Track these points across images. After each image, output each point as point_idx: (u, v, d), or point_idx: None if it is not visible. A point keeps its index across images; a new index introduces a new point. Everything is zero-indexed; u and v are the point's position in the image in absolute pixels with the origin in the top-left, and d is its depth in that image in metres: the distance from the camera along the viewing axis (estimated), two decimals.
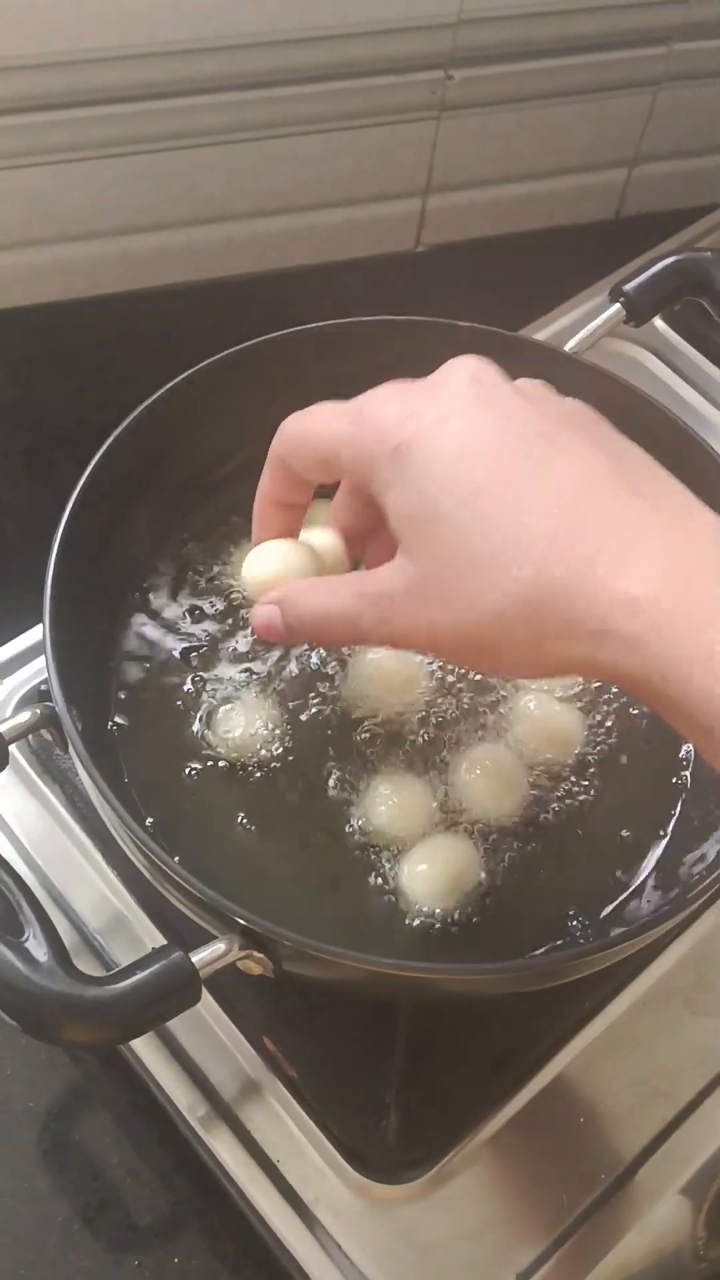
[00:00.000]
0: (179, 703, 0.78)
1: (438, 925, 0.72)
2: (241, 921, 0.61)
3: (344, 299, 1.25)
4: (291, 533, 0.68)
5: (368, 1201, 0.72)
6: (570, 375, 0.81)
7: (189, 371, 0.77)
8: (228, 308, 1.19)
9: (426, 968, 0.64)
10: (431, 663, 0.80)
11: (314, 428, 0.61)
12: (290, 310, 0.87)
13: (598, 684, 0.81)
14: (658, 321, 1.06)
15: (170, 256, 1.17)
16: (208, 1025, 0.76)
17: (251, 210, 1.18)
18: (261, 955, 0.62)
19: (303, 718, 0.78)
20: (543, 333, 1.03)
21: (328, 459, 0.60)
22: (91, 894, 0.80)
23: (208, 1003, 0.76)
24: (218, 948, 0.61)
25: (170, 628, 0.80)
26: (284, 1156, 0.73)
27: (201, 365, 0.77)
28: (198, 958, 0.60)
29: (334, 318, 0.83)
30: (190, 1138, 0.74)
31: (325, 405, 0.61)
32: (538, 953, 0.70)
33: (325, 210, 1.21)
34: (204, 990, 0.72)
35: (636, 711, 0.80)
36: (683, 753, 0.79)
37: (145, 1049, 0.75)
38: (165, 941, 0.60)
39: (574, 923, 0.73)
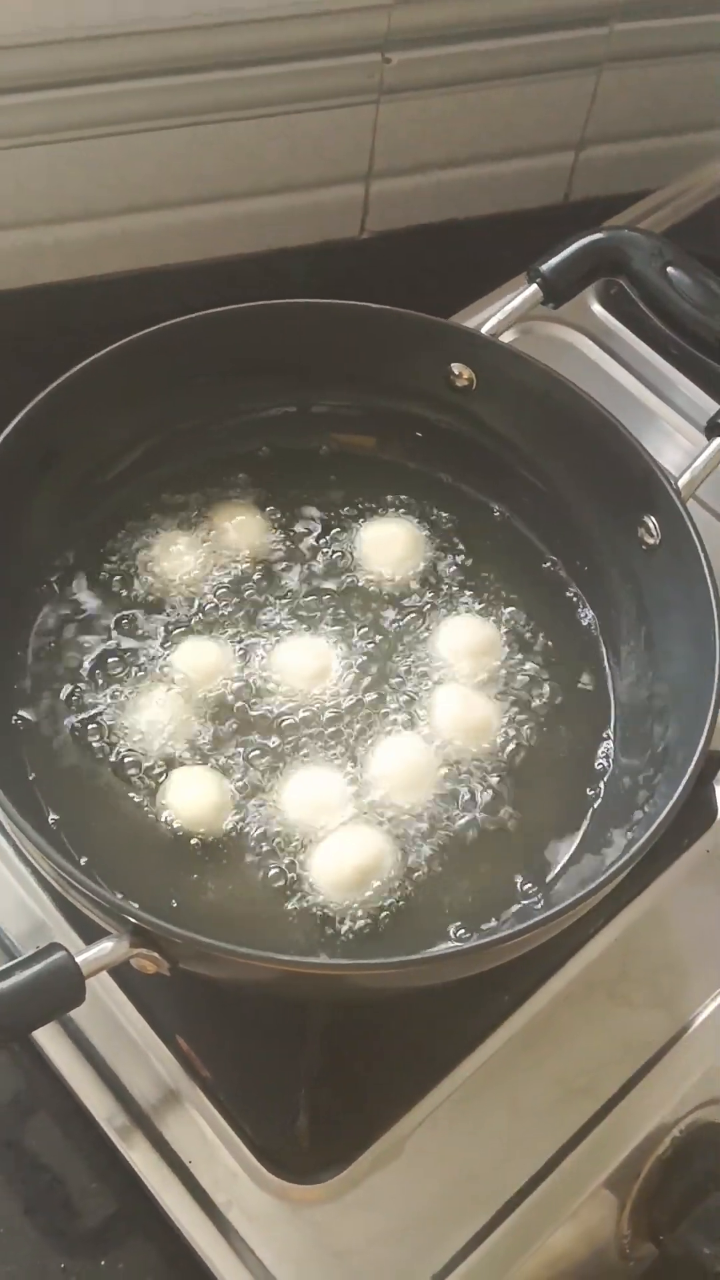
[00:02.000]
0: (86, 696, 0.76)
1: (346, 921, 0.71)
2: (130, 919, 0.59)
3: (285, 287, 1.23)
4: None
5: (282, 1203, 0.71)
6: (488, 359, 0.80)
7: (81, 364, 0.75)
8: (164, 298, 1.17)
9: (321, 964, 0.63)
10: (345, 654, 0.79)
11: None
12: (229, 299, 0.85)
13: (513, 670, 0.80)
14: (593, 305, 1.05)
15: (106, 246, 1.16)
16: (121, 1026, 0.75)
17: (188, 197, 1.16)
18: (153, 953, 0.61)
19: (213, 709, 0.76)
20: (475, 318, 1.01)
21: None
22: (9, 898, 0.78)
23: (120, 1002, 0.75)
24: (104, 946, 0.60)
25: (78, 620, 0.79)
26: (197, 1159, 0.72)
27: (95, 357, 0.76)
28: (83, 957, 0.58)
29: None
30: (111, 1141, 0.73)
31: None
32: (441, 947, 0.69)
33: (264, 197, 1.19)
34: (118, 990, 0.72)
35: (552, 702, 0.79)
36: (600, 752, 0.78)
37: (59, 1053, 0.74)
38: (83, 944, 0.59)
39: (470, 925, 0.72)
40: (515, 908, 0.72)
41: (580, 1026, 0.77)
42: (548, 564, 0.84)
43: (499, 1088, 0.75)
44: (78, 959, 0.58)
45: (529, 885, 0.73)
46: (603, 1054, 0.77)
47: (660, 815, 0.66)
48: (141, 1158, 0.72)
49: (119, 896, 0.66)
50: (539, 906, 0.71)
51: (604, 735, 0.78)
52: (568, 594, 0.83)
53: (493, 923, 0.71)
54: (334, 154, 1.18)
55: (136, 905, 0.62)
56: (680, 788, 0.67)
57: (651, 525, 0.77)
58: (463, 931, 0.71)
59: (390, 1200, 0.72)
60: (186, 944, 0.59)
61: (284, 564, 0.83)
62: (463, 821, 0.74)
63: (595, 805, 0.75)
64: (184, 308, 0.92)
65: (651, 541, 0.77)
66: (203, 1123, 0.73)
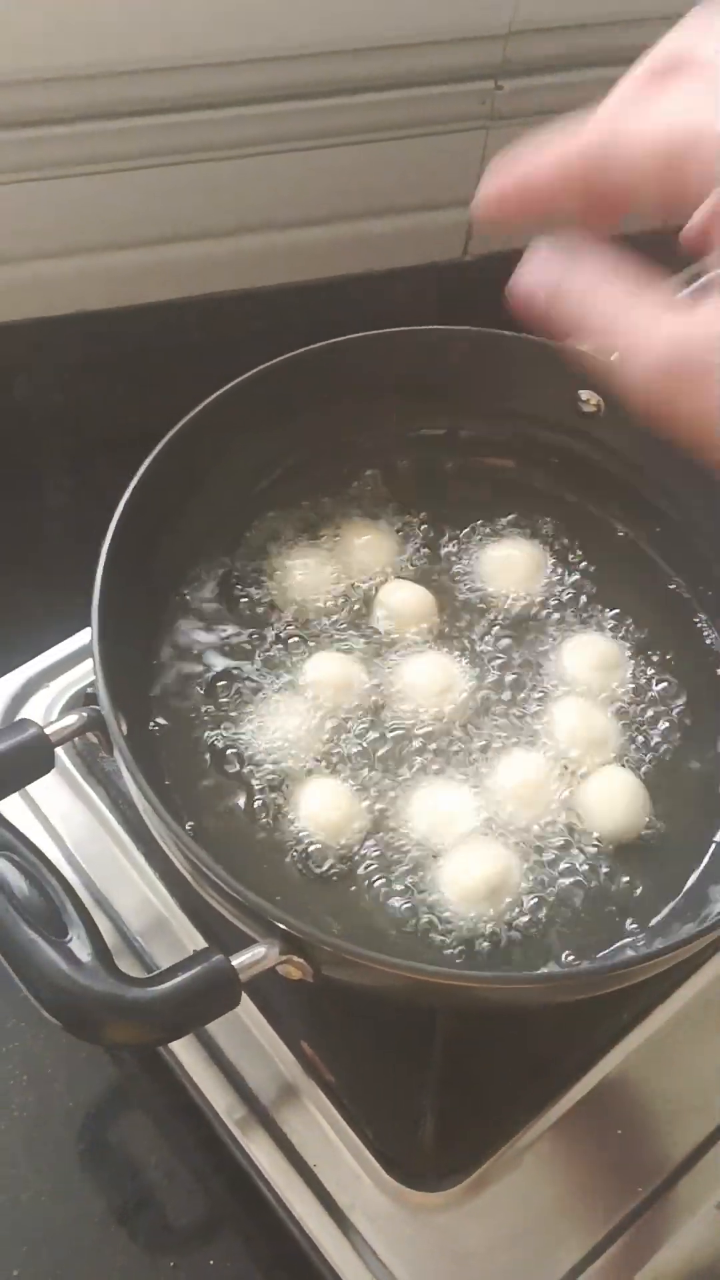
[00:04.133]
0: (217, 707, 0.78)
1: (478, 934, 0.72)
2: (282, 926, 0.61)
3: (389, 308, 1.25)
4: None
5: (404, 1208, 0.72)
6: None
7: (230, 385, 0.78)
8: (272, 317, 1.19)
9: (462, 975, 0.64)
10: (473, 664, 0.80)
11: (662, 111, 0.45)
12: (334, 320, 0.87)
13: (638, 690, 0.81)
14: None
15: (215, 266, 1.18)
16: (246, 1029, 0.76)
17: (297, 220, 1.19)
18: (301, 960, 0.62)
19: (342, 722, 0.78)
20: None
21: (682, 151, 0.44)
22: (134, 896, 0.80)
23: (247, 1006, 0.76)
24: (258, 952, 0.61)
25: (211, 632, 0.81)
26: (320, 1161, 0.73)
27: (241, 379, 0.78)
28: (238, 961, 0.60)
29: (379, 328, 0.83)
30: (227, 1140, 0.74)
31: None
32: (575, 964, 0.70)
33: (370, 219, 1.22)
34: (243, 994, 0.73)
35: (678, 722, 0.80)
36: None
37: (184, 1051, 0.76)
38: (205, 945, 0.60)
39: (627, 929, 0.73)
40: (639, 931, 0.72)
41: (697, 1044, 0.78)
42: (673, 585, 0.85)
43: (617, 1102, 0.76)
44: (233, 962, 0.59)
45: (655, 908, 0.73)
46: (718, 1075, 0.78)
47: None
48: (267, 1159, 0.73)
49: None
50: (660, 934, 0.71)
51: None
52: (695, 620, 0.84)
53: (615, 946, 0.72)
54: (441, 178, 1.20)
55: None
56: None
57: None
58: (594, 949, 0.71)
59: (510, 1209, 0.73)
60: (335, 951, 0.61)
61: (408, 582, 0.84)
62: (586, 841, 0.75)
63: (712, 845, 0.76)
64: (286, 326, 0.94)
65: None
66: (326, 1126, 0.74)
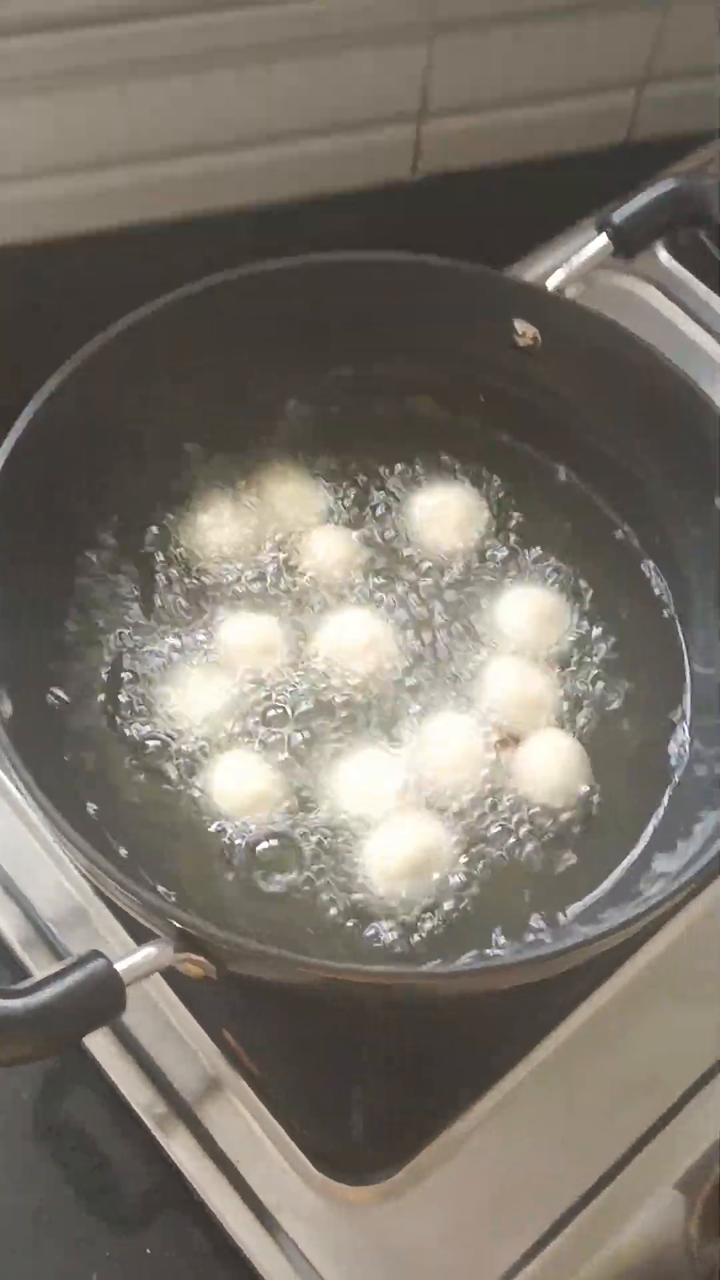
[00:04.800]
0: (126, 675, 0.73)
1: (404, 915, 0.67)
2: (176, 923, 0.56)
3: (334, 233, 1.17)
4: None
5: (333, 1204, 0.68)
6: (553, 315, 0.75)
7: (120, 323, 0.71)
8: (208, 246, 1.12)
9: (379, 973, 0.59)
10: (399, 629, 0.75)
11: None
12: (276, 247, 0.81)
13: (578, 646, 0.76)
14: (661, 254, 0.99)
15: (143, 192, 1.10)
16: (165, 1018, 0.72)
17: (232, 141, 1.11)
18: (201, 958, 0.57)
19: (260, 689, 0.72)
20: (535, 268, 0.96)
21: None
22: (48, 882, 0.75)
23: (165, 994, 0.72)
24: (148, 952, 0.56)
25: (119, 595, 0.75)
26: (244, 1157, 0.69)
27: (133, 316, 0.71)
28: (124, 965, 0.55)
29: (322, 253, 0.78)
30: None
31: None
32: (499, 952, 0.65)
33: (309, 139, 1.14)
34: (163, 981, 0.68)
35: (620, 681, 0.75)
36: (673, 739, 0.73)
37: (98, 1044, 0.71)
38: (126, 936, 0.55)
39: (538, 920, 0.68)
40: (578, 907, 0.67)
41: (644, 1026, 0.74)
42: (619, 534, 0.79)
43: (559, 1089, 0.72)
44: (118, 967, 0.54)
45: (598, 880, 0.68)
46: (667, 1055, 0.73)
47: None
48: (187, 1156, 0.69)
49: (165, 894, 0.62)
50: (602, 910, 0.66)
51: (677, 721, 0.73)
52: (640, 567, 0.78)
53: (558, 921, 0.67)
54: (385, 92, 1.12)
55: (176, 900, 0.59)
56: None
57: None
58: (530, 928, 0.67)
59: (447, 1203, 0.69)
60: (234, 949, 0.56)
61: (332, 532, 0.78)
62: (522, 810, 0.70)
63: (668, 794, 0.71)
64: (229, 255, 0.87)
65: None
66: (251, 1120, 0.69)
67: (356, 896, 0.68)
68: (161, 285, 0.86)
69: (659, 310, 0.98)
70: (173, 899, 0.66)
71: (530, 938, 0.67)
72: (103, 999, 0.53)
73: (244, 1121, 0.70)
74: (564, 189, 1.10)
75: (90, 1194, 0.72)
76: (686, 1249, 0.75)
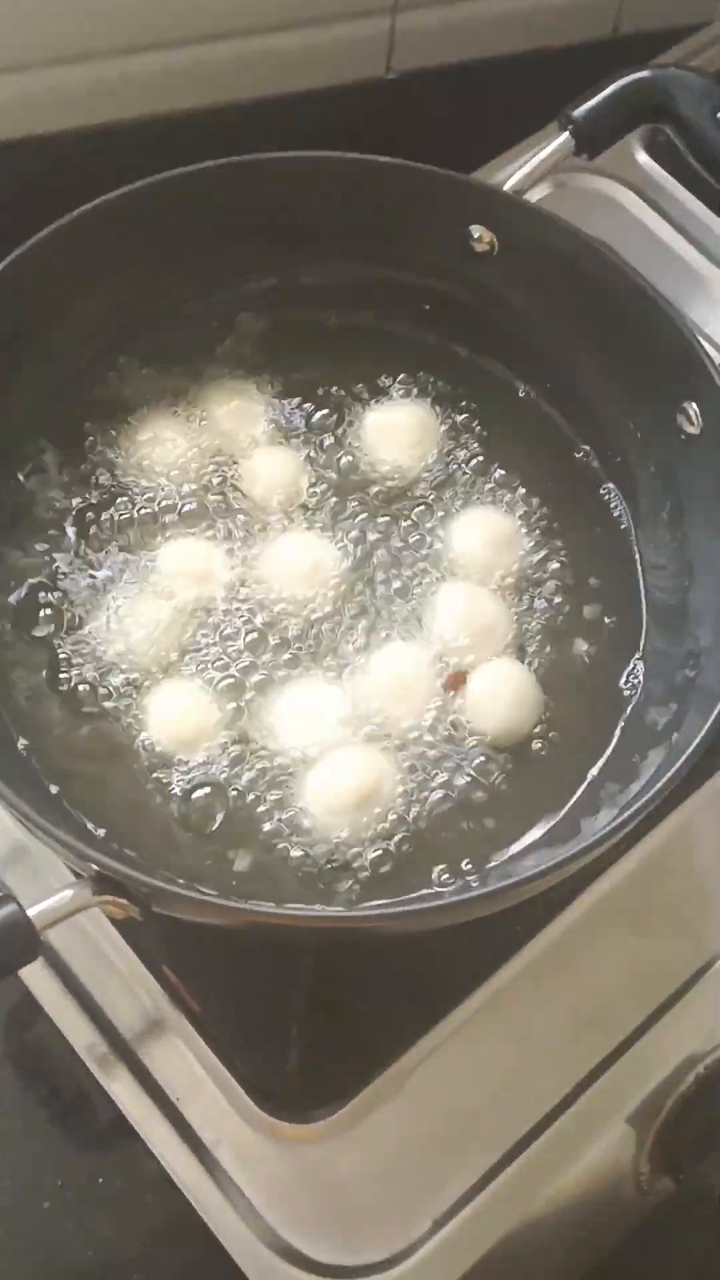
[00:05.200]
0: (59, 602, 0.70)
1: (345, 851, 0.65)
2: (94, 865, 0.54)
3: (304, 134, 1.12)
4: None
5: (273, 1142, 0.67)
6: (510, 219, 0.71)
7: (54, 225, 0.67)
8: (166, 148, 1.07)
9: (300, 917, 0.57)
10: (346, 553, 0.72)
11: None
12: (239, 150, 0.76)
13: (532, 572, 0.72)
14: (638, 154, 0.94)
15: (104, 91, 1.05)
16: (105, 954, 0.70)
17: (195, 35, 1.05)
18: (122, 900, 0.55)
19: (199, 616, 0.69)
20: (505, 170, 0.91)
21: None
22: None
23: (106, 930, 0.70)
24: (63, 896, 0.54)
25: (52, 517, 0.72)
26: (184, 1095, 0.68)
27: (67, 218, 0.67)
28: (36, 910, 0.53)
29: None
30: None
31: None
32: (441, 890, 0.63)
33: (279, 33, 1.08)
34: (101, 918, 0.67)
35: (576, 608, 0.72)
36: (627, 667, 0.70)
37: (35, 978, 0.69)
38: (69, 875, 0.53)
39: (480, 858, 0.66)
40: (526, 840, 0.65)
41: (597, 959, 0.72)
42: (580, 454, 0.76)
43: (509, 1024, 0.70)
44: (29, 912, 0.52)
45: (544, 815, 0.66)
46: (622, 988, 0.72)
47: (693, 743, 0.59)
48: (124, 1091, 0.67)
49: (93, 830, 0.60)
50: (547, 846, 0.64)
51: (632, 648, 0.70)
52: (600, 491, 0.74)
53: (503, 856, 0.65)
54: None
55: (107, 836, 0.56)
56: (715, 715, 0.59)
57: (692, 412, 0.69)
58: (470, 867, 0.64)
59: (389, 1141, 0.68)
60: (155, 891, 0.53)
61: (278, 452, 0.74)
62: (469, 742, 0.67)
63: (620, 725, 0.68)
64: (188, 159, 0.83)
65: (692, 430, 0.69)
66: (190, 1057, 0.68)
67: (297, 832, 0.65)
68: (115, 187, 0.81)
69: (634, 215, 0.93)
70: (102, 834, 0.63)
71: (472, 878, 0.64)
72: (12, 945, 0.51)
73: (184, 1059, 0.68)
74: (546, 88, 1.05)
75: (44, 1124, 0.73)
76: (636, 1183, 0.74)
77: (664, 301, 0.67)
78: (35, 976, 0.69)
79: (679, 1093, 0.72)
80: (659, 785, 0.56)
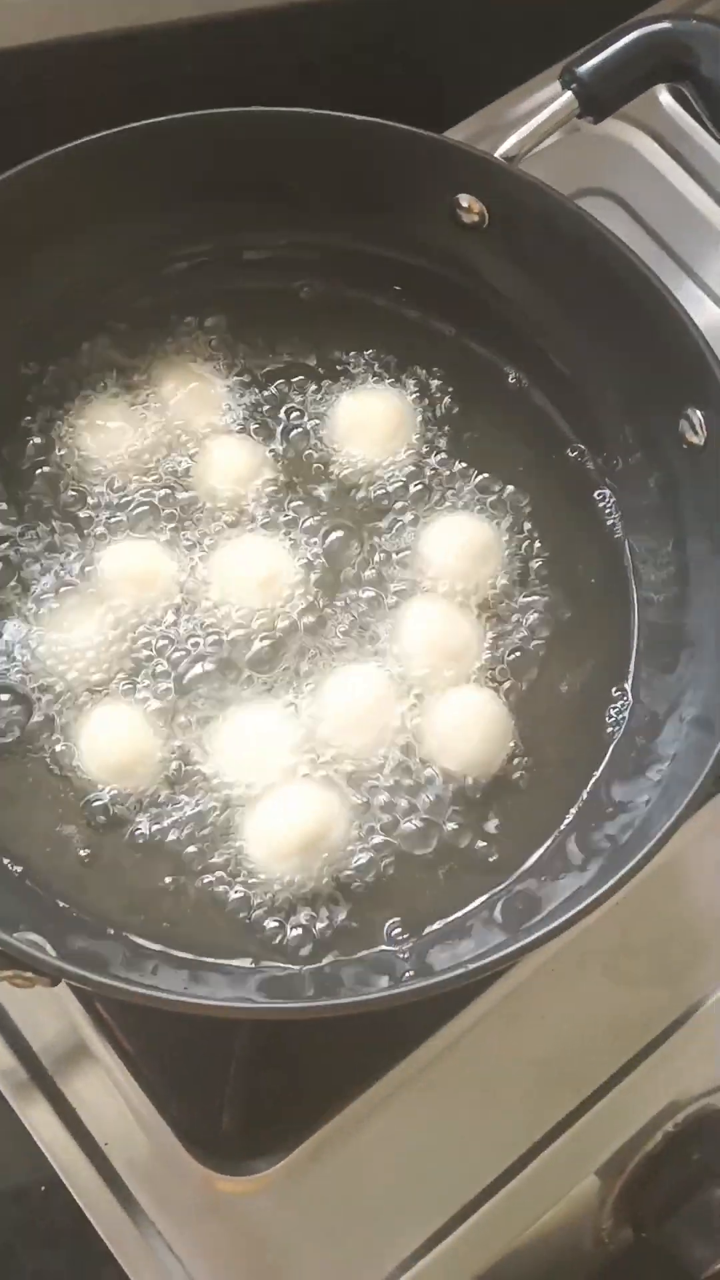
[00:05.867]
0: None
1: (290, 901, 0.59)
2: None
3: (304, 52, 1.02)
4: None
5: (208, 1195, 0.63)
6: (504, 189, 0.63)
7: (10, 171, 0.59)
8: (156, 60, 0.97)
9: (213, 1007, 0.52)
10: (306, 560, 0.65)
11: None
12: (234, 69, 0.67)
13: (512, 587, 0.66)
14: (661, 95, 0.84)
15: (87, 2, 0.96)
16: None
17: None
18: (26, 973, 0.49)
19: (141, 628, 0.63)
20: (503, 117, 0.82)
21: None
22: None
23: None
24: None
25: None
26: (113, 1140, 0.63)
27: (16, 170, 0.60)
28: None
29: (291, 75, 0.70)
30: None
31: None
32: (391, 948, 0.58)
33: None
34: None
35: (557, 627, 0.66)
36: (614, 695, 0.64)
37: None
38: None
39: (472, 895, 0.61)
40: (482, 898, 0.59)
41: (567, 1005, 0.68)
42: (573, 453, 0.68)
43: (469, 1073, 0.66)
44: None
45: (499, 870, 0.60)
46: (592, 1037, 0.68)
47: (680, 805, 0.53)
48: (48, 1133, 0.63)
49: (10, 867, 0.56)
50: (517, 905, 0.58)
51: (619, 675, 0.64)
52: (595, 495, 0.67)
53: (459, 911, 0.59)
54: None
55: (23, 874, 0.53)
56: (711, 762, 0.53)
57: (696, 421, 0.61)
58: (422, 927, 0.59)
59: (335, 1196, 0.64)
60: (62, 974, 0.48)
61: (238, 442, 0.67)
62: (430, 780, 0.61)
63: (600, 767, 0.62)
64: (179, 77, 0.74)
65: (695, 440, 0.62)
66: (120, 1101, 0.64)
67: (240, 878, 0.60)
68: (90, 110, 0.73)
69: (652, 164, 0.84)
70: (18, 871, 0.58)
71: (428, 931, 0.59)
72: None
73: (114, 1100, 0.64)
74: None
75: None
76: (596, 1235, 0.69)
77: (673, 299, 0.59)
78: None
79: (646, 1151, 0.67)
80: (626, 868, 0.50)
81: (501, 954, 0.50)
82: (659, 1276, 0.71)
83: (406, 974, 0.56)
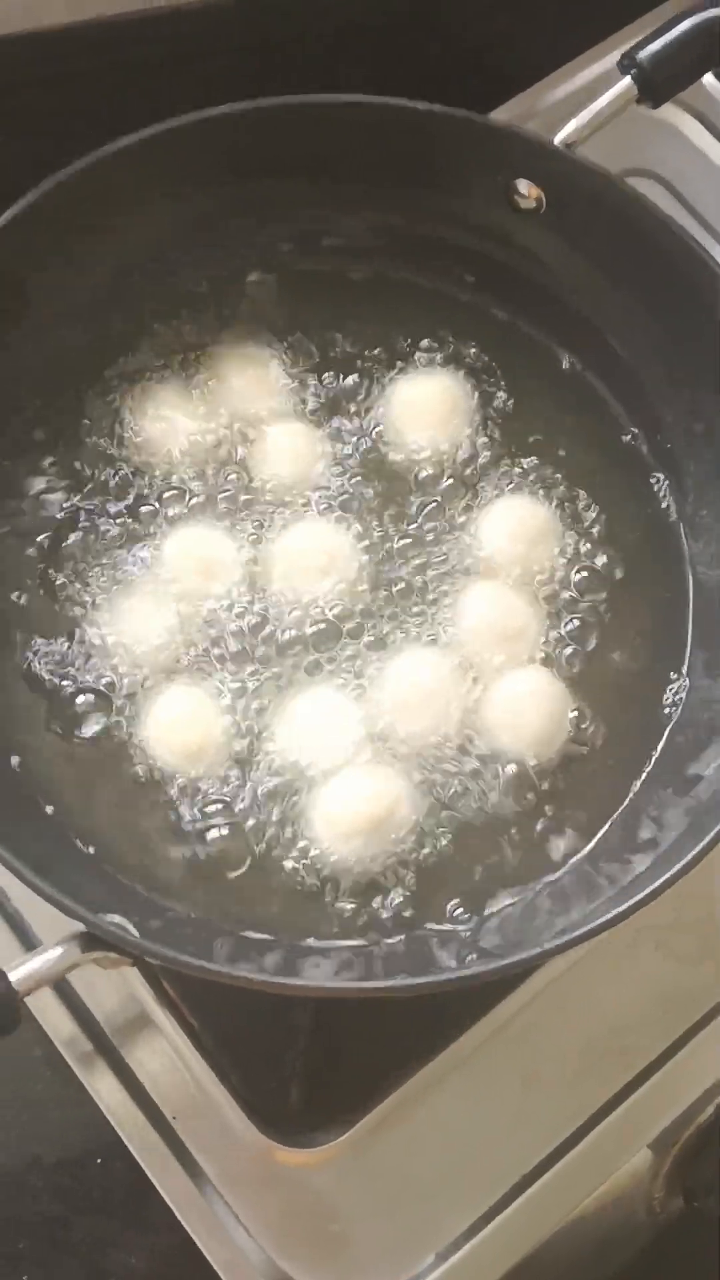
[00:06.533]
0: (52, 598, 0.64)
1: (357, 881, 0.60)
2: (81, 925, 0.49)
3: (339, 21, 1.01)
4: None
5: (273, 1167, 0.64)
6: (562, 174, 0.63)
7: (61, 174, 0.59)
8: (197, 39, 0.97)
9: (298, 986, 0.53)
10: (369, 535, 0.66)
11: None
12: (252, 46, 0.70)
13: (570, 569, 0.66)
14: (707, 77, 0.84)
15: None
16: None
17: None
18: (110, 954, 0.51)
19: (206, 614, 0.64)
20: (551, 96, 0.82)
21: None
22: None
23: None
24: (48, 956, 0.50)
25: (44, 500, 0.66)
26: (179, 1112, 0.64)
27: (76, 166, 0.60)
28: (18, 974, 0.49)
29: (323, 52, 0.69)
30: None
31: None
32: (457, 927, 0.59)
33: None
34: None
35: (619, 608, 0.66)
36: (671, 680, 0.65)
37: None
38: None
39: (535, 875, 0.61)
40: (549, 878, 0.60)
41: (620, 981, 0.68)
42: (628, 437, 0.69)
43: (522, 1050, 0.67)
44: (11, 976, 0.48)
45: (563, 851, 0.61)
46: (643, 1013, 0.68)
47: None
48: (114, 1101, 0.64)
49: (87, 852, 0.56)
50: (584, 884, 0.59)
51: (676, 661, 0.64)
52: (650, 480, 0.68)
53: (524, 894, 0.60)
54: None
55: (98, 855, 0.54)
56: None
57: None
58: (485, 905, 0.60)
59: (394, 1169, 0.65)
60: (145, 952, 0.49)
61: (295, 428, 0.68)
62: (491, 761, 0.63)
63: (660, 746, 0.63)
64: (197, 52, 0.73)
65: None
66: (186, 1073, 0.65)
67: (308, 858, 0.61)
68: (127, 88, 0.73)
69: (699, 148, 0.84)
70: (92, 852, 0.59)
71: (490, 912, 0.60)
72: None
73: (180, 1074, 0.65)
74: None
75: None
76: (649, 1207, 0.71)
77: None
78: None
79: (699, 1121, 0.68)
80: (686, 859, 0.51)
81: (566, 939, 0.51)
82: (711, 1244, 0.72)
83: (469, 956, 0.57)
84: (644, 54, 0.62)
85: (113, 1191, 0.70)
